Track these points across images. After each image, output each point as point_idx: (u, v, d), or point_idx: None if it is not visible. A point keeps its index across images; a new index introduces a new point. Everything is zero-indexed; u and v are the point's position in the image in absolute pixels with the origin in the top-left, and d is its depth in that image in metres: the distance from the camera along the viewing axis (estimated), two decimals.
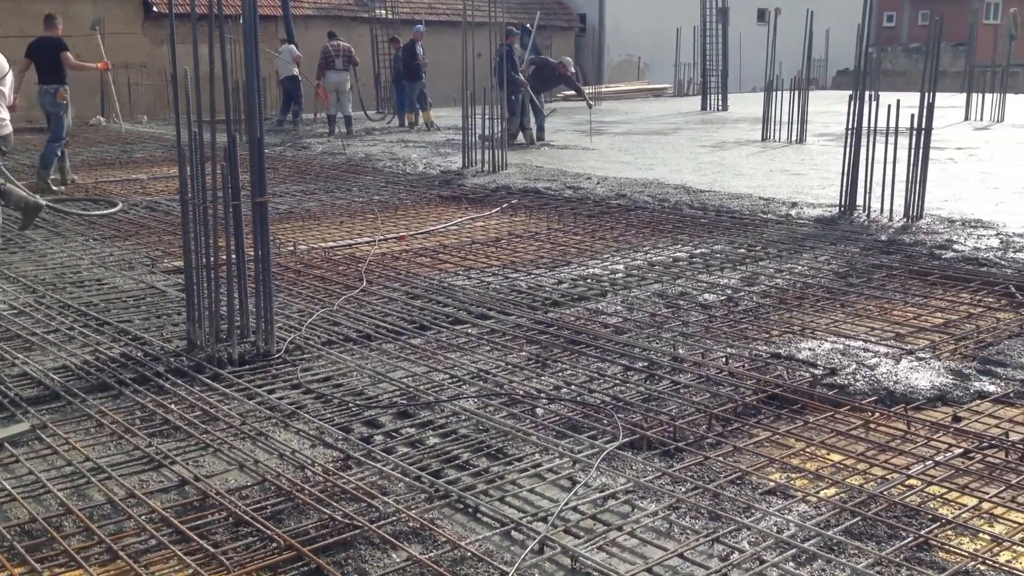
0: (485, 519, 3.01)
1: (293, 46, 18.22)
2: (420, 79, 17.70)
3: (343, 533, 2.86)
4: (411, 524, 2.93)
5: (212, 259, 4.53)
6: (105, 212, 8.82)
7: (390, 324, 5.15)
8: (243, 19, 4.32)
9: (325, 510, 3.00)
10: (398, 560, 2.74)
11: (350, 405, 3.95)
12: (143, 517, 2.98)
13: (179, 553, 2.75)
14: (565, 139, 15.52)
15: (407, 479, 3.25)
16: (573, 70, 15.65)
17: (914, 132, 7.99)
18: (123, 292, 5.91)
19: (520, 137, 14.77)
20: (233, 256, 4.52)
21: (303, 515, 3.00)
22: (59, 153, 10.38)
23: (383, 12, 22.33)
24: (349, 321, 5.20)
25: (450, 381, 4.26)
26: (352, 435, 3.64)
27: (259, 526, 2.90)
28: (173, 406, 3.94)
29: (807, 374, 4.31)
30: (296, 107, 18.08)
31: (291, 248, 7.18)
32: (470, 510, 3.06)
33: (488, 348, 4.76)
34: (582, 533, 2.91)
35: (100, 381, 4.24)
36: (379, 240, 7.54)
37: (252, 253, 4.65)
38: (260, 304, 4.57)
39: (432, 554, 2.76)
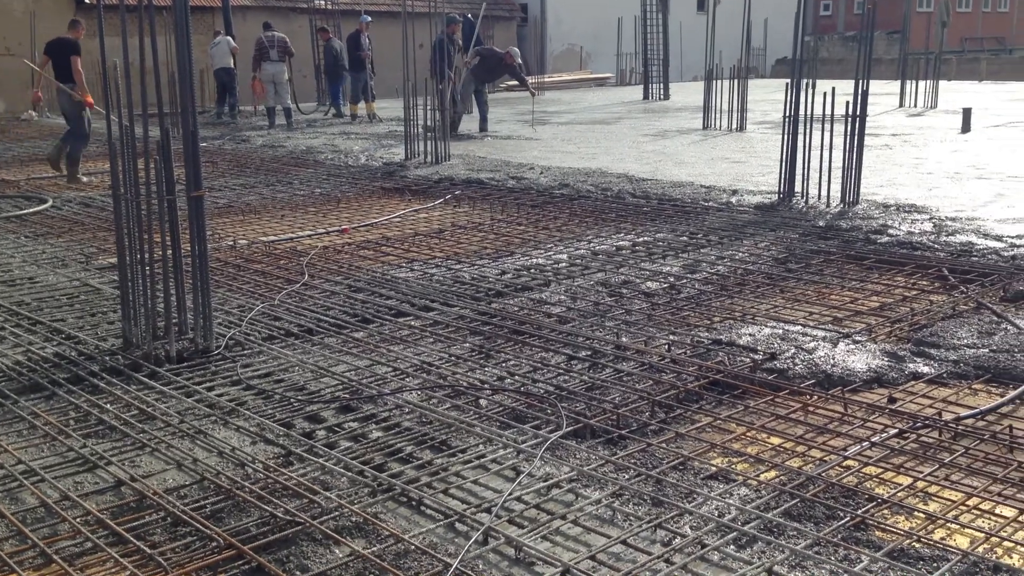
0: (429, 511, 2.99)
1: (230, 37, 17.93)
2: (364, 70, 17.55)
3: (285, 530, 2.83)
4: (354, 519, 2.90)
5: (147, 255, 4.44)
6: (36, 209, 8.61)
7: (332, 318, 5.10)
8: (174, 9, 4.23)
9: (266, 507, 2.96)
10: (341, 555, 2.72)
11: (291, 401, 3.91)
12: (78, 519, 2.91)
13: (115, 555, 2.70)
14: (508, 129, 15.51)
15: (350, 473, 3.22)
16: (520, 61, 15.63)
17: (849, 119, 8.12)
18: (56, 290, 5.77)
19: (461, 128, 14.74)
20: (169, 252, 4.43)
21: (244, 513, 2.96)
22: (80, 149, 10.73)
23: (323, 2, 22.08)
24: (290, 316, 5.14)
25: (393, 374, 4.23)
26: (294, 431, 3.60)
27: (198, 525, 2.85)
28: (109, 406, 3.86)
29: (748, 359, 4.36)
30: (231, 99, 17.79)
31: (231, 243, 7.07)
32: (414, 503, 3.04)
33: (431, 340, 4.74)
34: (526, 523, 2.92)
35: (32, 382, 4.14)
36: (321, 233, 7.47)
37: (189, 248, 4.56)
38: (198, 300, 4.49)
39: (375, 548, 2.74)
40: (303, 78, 19.26)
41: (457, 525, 2.90)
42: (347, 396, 3.95)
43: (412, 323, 5.02)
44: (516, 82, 16.68)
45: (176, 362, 4.36)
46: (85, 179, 10.64)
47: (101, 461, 3.35)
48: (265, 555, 2.72)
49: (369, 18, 18.23)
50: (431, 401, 3.91)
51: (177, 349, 4.41)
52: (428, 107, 11.52)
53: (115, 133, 4.31)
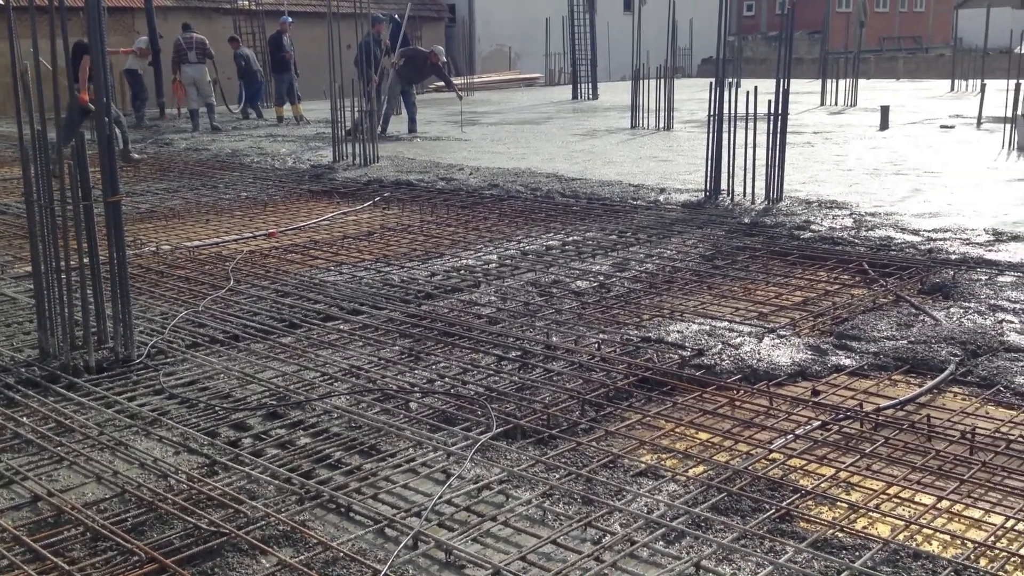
0: (358, 518, 2.96)
1: (145, 38, 17.49)
2: (288, 71, 17.32)
3: (209, 541, 2.77)
4: (281, 527, 2.85)
5: (64, 263, 4.31)
6: None
7: (259, 323, 5.02)
8: (86, 10, 4.12)
9: (190, 519, 2.89)
10: (268, 565, 2.67)
11: (216, 409, 3.83)
12: None
13: (32, 573, 2.61)
14: (438, 130, 15.47)
15: (277, 481, 3.16)
16: (444, 59, 15.59)
17: (771, 118, 8.28)
18: None
19: (390, 129, 14.67)
20: (86, 259, 4.31)
21: (166, 525, 2.89)
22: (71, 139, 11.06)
23: (246, 3, 21.74)
24: (215, 322, 5.04)
25: (321, 379, 4.18)
26: (219, 439, 3.53)
27: (119, 540, 2.78)
28: (25, 419, 3.73)
29: (676, 356, 4.41)
30: (137, 101, 17.43)
31: (153, 248, 6.92)
32: (342, 509, 3.00)
33: (360, 344, 4.70)
34: (456, 526, 2.90)
35: None
36: (247, 237, 7.34)
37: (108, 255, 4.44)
38: (117, 308, 4.38)
39: (303, 557, 2.69)
40: (227, 80, 18.92)
41: (387, 530, 2.87)
42: (274, 403, 3.88)
43: (341, 327, 4.96)
44: (443, 83, 16.61)
45: (95, 372, 4.24)
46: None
47: (17, 476, 3.24)
48: (189, 568, 2.65)
49: (291, 19, 18.01)
50: (360, 405, 3.87)
51: (96, 359, 4.29)
52: (355, 109, 11.43)
53: (27, 137, 4.17)
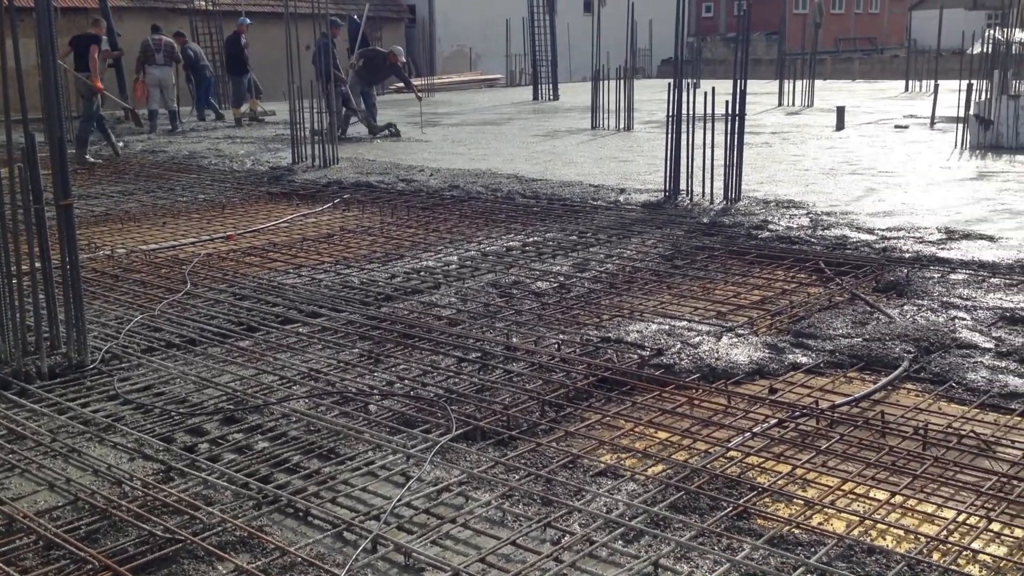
0: (316, 522, 2.94)
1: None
2: (246, 72, 17.19)
3: (164, 548, 2.73)
4: (238, 533, 2.83)
5: (15, 267, 4.23)
6: None
7: (216, 327, 4.97)
8: (36, 10, 4.05)
9: (144, 526, 2.85)
10: (224, 572, 2.64)
11: (172, 414, 3.78)
12: None
13: None
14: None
15: (234, 487, 3.13)
16: (404, 60, 15.53)
17: (729, 118, 8.35)
18: None
19: (350, 131, 14.60)
20: (38, 263, 4.24)
21: (121, 533, 2.85)
22: (91, 131, 12.51)
23: (203, 3, 21.51)
24: (172, 326, 4.98)
25: (280, 382, 4.14)
26: (174, 445, 3.49)
27: (72, 548, 2.73)
28: None
29: (635, 356, 4.43)
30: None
31: (108, 252, 6.82)
32: (301, 514, 2.98)
33: (320, 347, 4.66)
34: (416, 528, 2.89)
35: None
36: (205, 240, 7.27)
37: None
38: (70, 313, 4.31)
39: (260, 562, 2.67)
40: (186, 82, 18.71)
41: (345, 534, 2.85)
42: (231, 407, 3.84)
43: (300, 330, 4.93)
44: (402, 84, 16.55)
45: (48, 378, 4.17)
46: (92, 160, 12.17)
47: None
48: (143, 575, 2.62)
49: (248, 20, 17.87)
50: (319, 409, 3.84)
51: (49, 365, 4.22)
52: (316, 110, 11.36)
53: None
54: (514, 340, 4.70)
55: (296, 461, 3.35)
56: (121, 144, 13.60)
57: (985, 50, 12.51)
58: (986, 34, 13.12)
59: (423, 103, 16.17)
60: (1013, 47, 12.47)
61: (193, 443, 3.52)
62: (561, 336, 4.75)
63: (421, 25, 30.03)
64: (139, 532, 2.83)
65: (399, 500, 3.02)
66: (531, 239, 7.12)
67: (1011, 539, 2.79)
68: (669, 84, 8.78)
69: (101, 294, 5.63)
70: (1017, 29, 12.91)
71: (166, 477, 3.23)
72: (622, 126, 15.07)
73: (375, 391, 4.02)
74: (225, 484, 3.15)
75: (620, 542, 2.79)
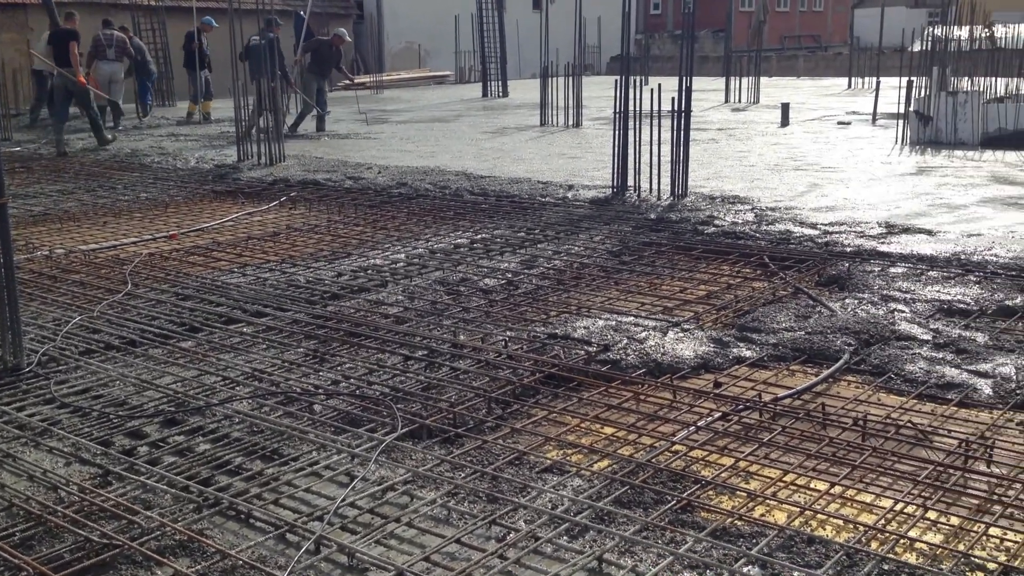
0: (259, 524, 2.90)
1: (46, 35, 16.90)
2: (196, 69, 16.94)
3: (101, 554, 2.68)
4: (178, 537, 2.78)
5: None
6: None
7: (157, 328, 4.88)
8: None
9: (81, 531, 2.79)
10: None
11: (111, 417, 3.71)
12: None
13: None
14: (347, 129, 15.30)
15: (174, 490, 3.08)
16: (349, 39, 15.37)
17: (675, 115, 8.41)
18: None
19: (299, 128, 14.46)
20: None
21: (56, 539, 2.79)
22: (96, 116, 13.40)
23: None
24: (111, 327, 4.89)
25: (222, 383, 4.08)
26: (113, 449, 3.42)
27: (6, 555, 2.67)
28: None
29: (582, 352, 4.44)
30: (36, 102, 16.86)
31: (46, 252, 6.67)
32: (242, 516, 2.94)
33: (264, 346, 4.61)
34: (360, 528, 2.87)
35: None
36: (147, 240, 7.14)
37: None
38: (4, 314, 4.20)
39: (200, 566, 2.63)
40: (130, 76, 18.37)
41: (288, 536, 2.82)
42: (172, 409, 3.78)
43: (244, 330, 4.86)
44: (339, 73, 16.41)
45: None
46: (111, 137, 13.58)
47: None
48: None
49: (214, 23, 17.63)
50: (263, 410, 3.79)
51: None
52: (266, 108, 11.23)
53: None
54: (461, 337, 4.68)
55: (239, 463, 3.31)
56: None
57: (925, 48, 12.76)
58: (926, 32, 13.38)
59: (358, 99, 16.17)
60: (951, 44, 12.73)
61: (132, 446, 3.45)
62: (508, 333, 4.74)
63: (369, 21, 29.82)
64: (75, 538, 2.77)
65: (343, 500, 3.00)
66: (479, 236, 7.11)
67: (947, 527, 2.84)
68: (615, 81, 8.82)
69: (38, 295, 5.50)
70: (955, 27, 13.17)
71: (104, 481, 3.17)
72: (571, 123, 15.11)
73: (320, 390, 3.98)
74: (165, 487, 3.09)
75: (565, 538, 2.79)
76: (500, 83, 22.83)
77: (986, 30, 13.57)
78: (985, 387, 3.92)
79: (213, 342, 4.67)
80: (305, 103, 14.65)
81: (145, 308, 5.26)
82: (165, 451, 3.42)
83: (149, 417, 3.71)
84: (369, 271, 6.09)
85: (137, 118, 16.81)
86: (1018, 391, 3.84)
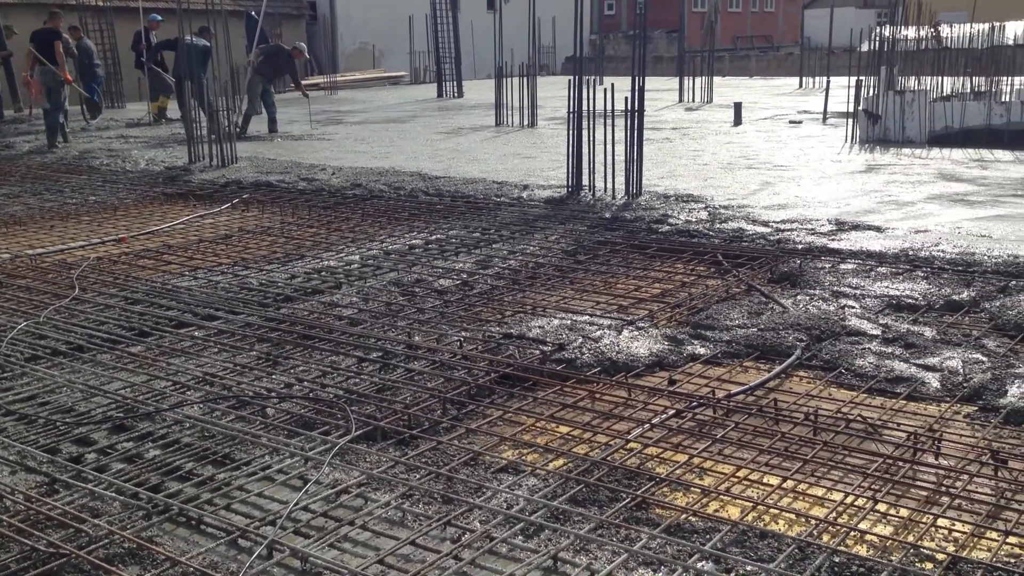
0: (210, 530, 2.86)
1: None
2: (144, 67, 16.72)
3: (48, 563, 2.63)
4: (127, 545, 2.73)
5: None
6: None
7: (106, 333, 4.80)
8: None
9: (27, 541, 2.73)
10: None
11: (58, 424, 3.64)
12: None
13: None
14: (300, 130, 15.17)
15: (122, 497, 3.03)
16: (307, 56, 15.35)
17: (628, 114, 8.45)
18: None
19: (250, 129, 14.32)
20: None
21: (1, 549, 2.72)
22: (60, 120, 13.51)
23: None
24: (58, 333, 4.79)
25: (173, 388, 4.02)
26: (59, 456, 3.35)
27: None
28: None
29: (537, 351, 4.44)
30: None
31: None
32: (193, 522, 2.90)
33: (215, 350, 4.55)
34: (313, 532, 2.84)
35: None
36: (95, 244, 7.02)
37: None
38: None
39: (149, 574, 2.59)
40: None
41: (240, 541, 2.79)
42: (121, 415, 3.71)
43: (195, 333, 4.80)
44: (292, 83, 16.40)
45: None
46: (60, 146, 13.18)
47: None
48: None
49: (159, 17, 17.40)
50: (214, 414, 3.74)
51: None
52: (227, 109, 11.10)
53: None
54: (416, 338, 4.66)
55: (189, 468, 3.26)
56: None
57: (873, 48, 12.95)
58: (874, 32, 13.58)
59: (309, 102, 16.14)
60: (899, 45, 12.94)
61: (80, 453, 3.39)
62: (463, 333, 4.73)
63: (323, 22, 29.61)
64: (21, 548, 2.71)
65: (296, 504, 2.97)
66: (434, 237, 7.09)
67: (896, 518, 2.88)
68: (569, 81, 8.84)
69: None
70: (903, 27, 13.40)
71: (50, 490, 3.11)
72: (526, 123, 15.12)
73: (273, 394, 3.94)
74: (113, 495, 3.04)
75: (520, 537, 2.79)
76: (455, 83, 22.78)
77: (932, 30, 13.81)
78: (933, 381, 3.98)
79: (163, 346, 4.60)
80: (250, 104, 14.52)
81: (93, 313, 5.16)
82: (114, 458, 3.36)
83: (97, 423, 3.64)
84: (323, 273, 6.04)
85: (84, 120, 16.52)
86: (965, 384, 3.91)
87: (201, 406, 3.81)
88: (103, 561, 2.64)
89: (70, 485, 3.12)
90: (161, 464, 3.29)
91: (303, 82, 17.22)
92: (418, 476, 3.19)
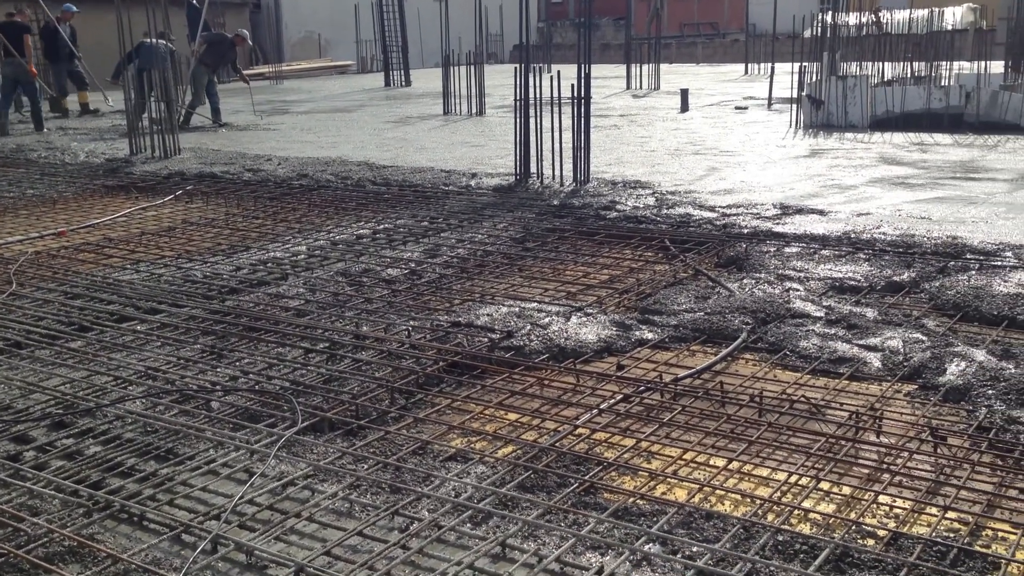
0: (153, 526, 2.81)
1: None
2: (60, 61, 16.34)
3: None
4: (67, 543, 2.68)
5: None
6: None
7: (44, 328, 4.69)
8: None
9: None
10: None
11: None
12: None
13: None
14: (245, 120, 14.97)
15: (62, 495, 2.96)
16: (250, 43, 15.19)
17: (575, 101, 8.46)
18: None
19: (193, 120, 14.11)
20: None
21: None
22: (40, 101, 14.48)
23: None
24: None
25: (114, 383, 3.95)
26: None
27: None
28: None
29: (486, 339, 4.43)
30: None
31: None
32: (135, 519, 2.85)
33: (158, 344, 4.47)
34: (259, 525, 2.81)
35: None
36: (33, 238, 6.86)
37: None
38: None
39: (90, 572, 2.54)
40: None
41: (184, 536, 2.74)
42: (60, 411, 3.63)
43: (136, 328, 4.71)
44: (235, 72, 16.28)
45: None
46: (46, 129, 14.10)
47: None
48: None
49: (74, 8, 16.97)
50: (157, 409, 3.68)
51: None
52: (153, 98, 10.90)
53: None
54: (364, 328, 4.63)
55: (131, 464, 3.20)
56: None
57: (816, 34, 13.12)
58: (817, 19, 13.75)
59: (252, 91, 15.98)
60: (841, 31, 13.12)
61: (17, 451, 3.31)
62: (412, 323, 4.70)
63: (267, 11, 29.23)
64: None
65: (241, 497, 2.93)
66: (382, 226, 7.04)
67: (839, 496, 2.93)
68: (515, 68, 8.82)
69: None
70: (845, 14, 13.59)
71: None
72: (474, 111, 15.09)
73: (217, 387, 3.88)
74: (52, 492, 2.97)
75: (468, 525, 2.78)
76: (402, 72, 22.66)
77: (873, 16, 14.03)
78: (875, 360, 4.05)
79: (104, 341, 4.51)
80: (195, 96, 14.31)
81: (31, 308, 5.05)
82: (53, 455, 3.28)
83: (36, 421, 3.56)
84: (269, 264, 5.97)
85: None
86: (905, 363, 3.98)
87: (144, 401, 3.75)
88: (43, 560, 2.59)
89: (8, 484, 3.04)
90: (102, 460, 3.22)
91: (245, 72, 17.05)
92: (366, 467, 3.17)
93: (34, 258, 6.20)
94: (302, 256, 6.17)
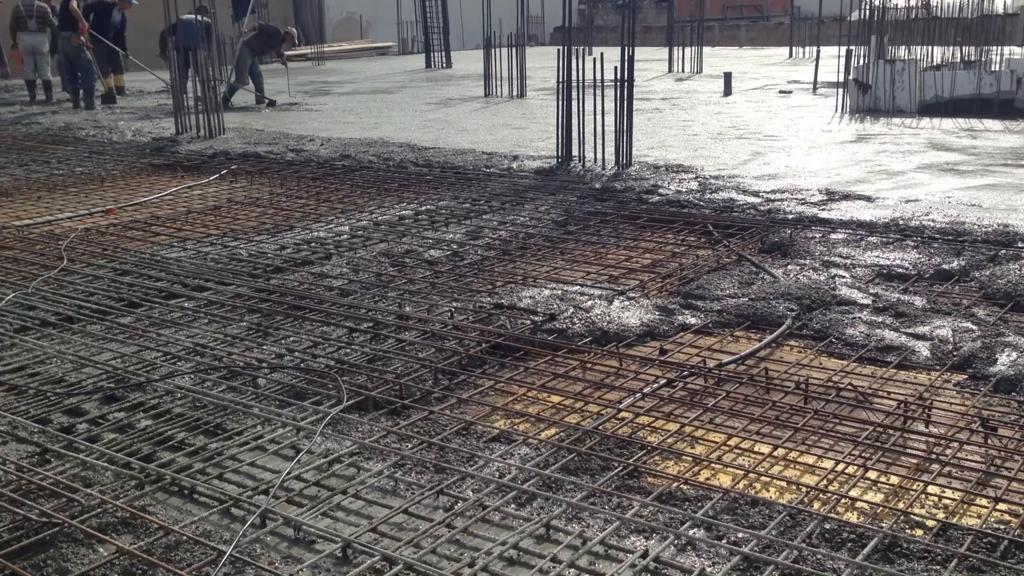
0: (202, 499, 2.86)
1: None
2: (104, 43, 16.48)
3: (40, 532, 2.62)
4: (119, 514, 2.73)
5: None
6: None
7: (95, 303, 4.77)
8: None
9: (19, 510, 2.73)
10: (105, 554, 2.55)
11: (48, 395, 3.62)
12: None
13: None
14: (286, 100, 15.05)
15: (114, 467, 3.02)
16: (297, 42, 15.54)
17: (618, 84, 8.41)
18: None
19: (233, 100, 14.25)
20: None
21: None
22: (92, 79, 14.55)
23: None
24: (47, 304, 4.77)
25: (163, 359, 4.01)
26: (50, 426, 3.34)
27: None
28: None
29: (528, 321, 4.43)
30: None
31: None
32: (186, 492, 2.90)
33: (206, 321, 4.53)
34: (306, 501, 2.84)
35: None
36: (83, 215, 6.97)
37: None
38: None
39: (143, 543, 2.59)
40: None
41: (233, 510, 2.79)
42: (112, 386, 3.70)
43: (184, 304, 4.78)
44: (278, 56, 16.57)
45: None
46: (99, 105, 14.43)
47: None
48: (19, 561, 2.51)
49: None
50: (205, 384, 3.73)
51: None
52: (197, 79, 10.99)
53: None
54: (407, 309, 4.65)
55: (181, 438, 3.26)
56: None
57: (863, 17, 12.90)
58: (864, 1, 13.53)
59: (288, 73, 16.23)
60: (889, 14, 12.89)
61: (71, 424, 3.38)
62: (454, 304, 4.72)
63: None
64: (13, 517, 2.71)
65: (289, 473, 2.97)
66: (424, 208, 7.06)
67: (887, 486, 2.91)
68: (558, 51, 8.78)
69: None
70: None
71: (42, 460, 3.10)
72: (515, 93, 15.05)
73: (264, 364, 3.93)
74: (105, 464, 3.03)
75: (512, 506, 2.79)
76: (443, 54, 22.63)
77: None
78: (923, 349, 4.00)
79: (153, 317, 4.58)
80: (238, 77, 14.45)
81: (82, 284, 5.14)
82: (105, 428, 3.35)
83: (88, 394, 3.63)
84: (313, 244, 6.02)
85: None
86: (955, 353, 3.93)
87: (192, 377, 3.80)
88: (96, 530, 2.64)
89: (62, 455, 3.11)
90: (153, 434, 3.28)
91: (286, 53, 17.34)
92: (410, 446, 3.20)
93: (84, 235, 6.30)
94: (345, 236, 6.21)
